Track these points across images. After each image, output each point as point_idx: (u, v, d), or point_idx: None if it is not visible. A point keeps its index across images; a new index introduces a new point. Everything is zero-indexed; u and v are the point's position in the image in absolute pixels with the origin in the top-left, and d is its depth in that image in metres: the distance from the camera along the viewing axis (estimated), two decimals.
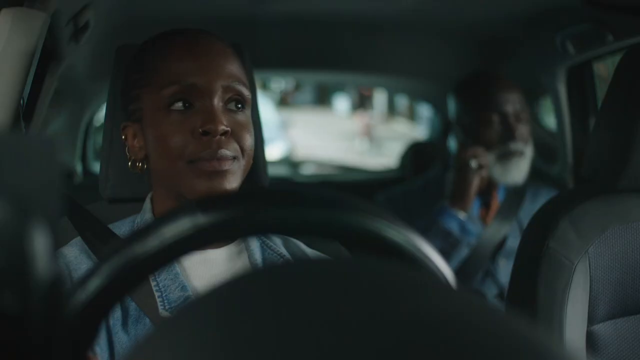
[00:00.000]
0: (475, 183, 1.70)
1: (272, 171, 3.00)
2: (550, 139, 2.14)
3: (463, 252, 1.71)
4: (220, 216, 0.41)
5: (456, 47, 2.11)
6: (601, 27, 1.52)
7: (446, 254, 1.66)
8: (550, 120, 2.27)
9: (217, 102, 0.83)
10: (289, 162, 4.42)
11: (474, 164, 1.69)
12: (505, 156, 1.70)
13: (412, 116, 14.40)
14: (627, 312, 1.04)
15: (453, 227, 1.68)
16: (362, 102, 16.04)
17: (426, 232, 1.68)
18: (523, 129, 1.71)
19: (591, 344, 1.02)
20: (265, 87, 14.12)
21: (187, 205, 0.42)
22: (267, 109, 9.54)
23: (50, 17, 1.01)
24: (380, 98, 15.86)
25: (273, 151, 7.73)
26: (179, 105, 0.83)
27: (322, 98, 17.26)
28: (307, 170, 3.97)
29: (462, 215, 1.69)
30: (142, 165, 0.90)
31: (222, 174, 0.82)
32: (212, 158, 0.81)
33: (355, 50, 2.15)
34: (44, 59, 1.16)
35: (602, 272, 1.02)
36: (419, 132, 11.05)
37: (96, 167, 2.50)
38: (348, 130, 13.99)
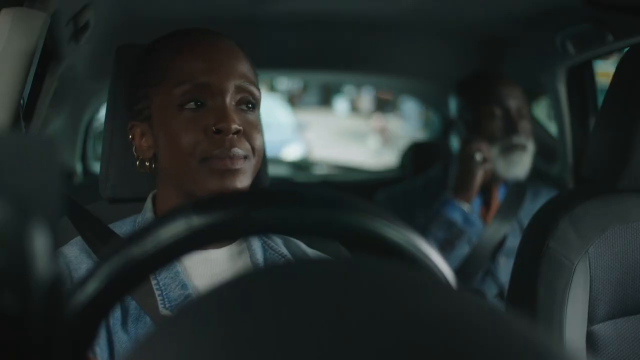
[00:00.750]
0: (479, 176, 1.71)
1: (287, 173, 3.00)
2: (550, 139, 2.14)
3: (464, 249, 1.71)
4: (216, 217, 0.41)
5: (456, 47, 2.11)
6: (601, 27, 1.52)
7: (450, 244, 1.67)
8: (545, 121, 2.28)
9: (229, 101, 0.83)
10: (300, 164, 4.40)
11: (478, 157, 1.70)
12: (508, 149, 1.71)
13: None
14: (627, 312, 1.04)
15: (456, 217, 1.68)
16: (380, 106, 16.32)
17: (428, 224, 1.69)
18: (525, 124, 1.73)
19: (591, 344, 1.02)
20: (272, 88, 14.25)
21: (184, 207, 0.42)
22: (282, 111, 9.55)
23: (50, 17, 1.01)
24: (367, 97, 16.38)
25: (289, 153, 7.73)
26: (191, 104, 0.83)
27: (326, 99, 17.72)
28: (319, 171, 3.94)
29: (465, 206, 1.70)
30: (151, 164, 0.90)
31: (234, 172, 0.82)
32: (224, 156, 0.81)
33: (355, 50, 2.15)
34: (44, 59, 1.16)
35: (602, 272, 1.02)
36: (404, 128, 11.78)
37: (96, 167, 2.50)
38: (348, 127, 14.68)
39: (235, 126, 0.81)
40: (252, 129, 0.85)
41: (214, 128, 0.81)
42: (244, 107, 0.86)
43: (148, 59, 0.89)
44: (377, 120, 14.00)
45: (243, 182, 0.83)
